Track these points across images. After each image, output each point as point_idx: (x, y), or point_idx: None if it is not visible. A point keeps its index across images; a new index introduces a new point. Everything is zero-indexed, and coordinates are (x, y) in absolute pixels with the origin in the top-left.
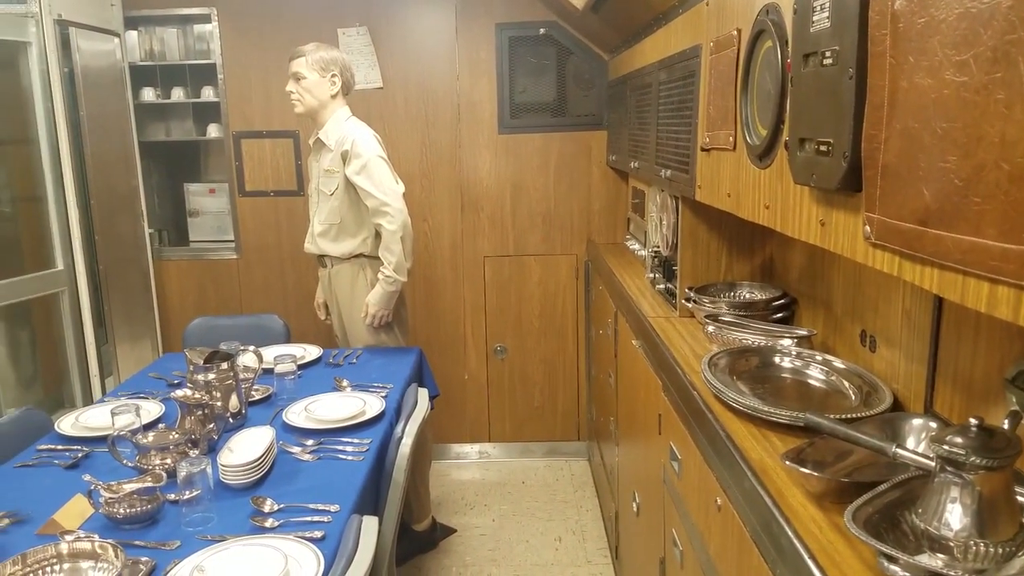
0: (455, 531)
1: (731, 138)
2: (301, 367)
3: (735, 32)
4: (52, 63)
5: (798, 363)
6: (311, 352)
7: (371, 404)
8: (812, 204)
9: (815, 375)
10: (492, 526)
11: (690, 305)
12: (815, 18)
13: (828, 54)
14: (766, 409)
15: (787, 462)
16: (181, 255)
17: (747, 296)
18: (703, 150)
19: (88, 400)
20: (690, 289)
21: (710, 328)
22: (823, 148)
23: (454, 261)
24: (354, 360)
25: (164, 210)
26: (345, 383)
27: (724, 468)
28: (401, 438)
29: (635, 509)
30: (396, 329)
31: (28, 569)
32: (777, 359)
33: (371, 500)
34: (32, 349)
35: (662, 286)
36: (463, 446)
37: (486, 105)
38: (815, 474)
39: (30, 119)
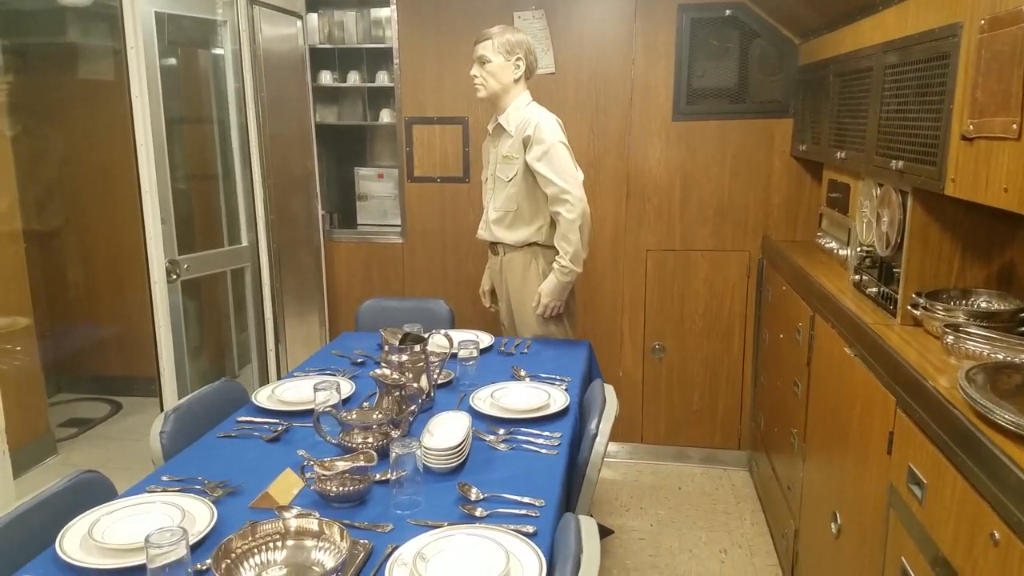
0: (613, 532)
1: (1014, 126)
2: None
3: None
4: (244, 43)
5: None
6: (484, 339)
7: (555, 397)
8: None
9: None
10: (651, 531)
11: (918, 312)
12: None
13: None
14: None
15: None
16: (350, 237)
17: (985, 305)
18: (964, 139)
19: (263, 371)
20: (918, 295)
21: (949, 339)
22: None
23: (615, 253)
24: (525, 350)
25: (333, 192)
26: (523, 372)
27: (1009, 498)
28: (596, 436)
29: (834, 531)
30: (565, 320)
31: (255, 543)
32: None
33: (566, 496)
34: (205, 321)
35: (874, 289)
36: (613, 445)
37: (661, 90)
38: None
39: (220, 100)
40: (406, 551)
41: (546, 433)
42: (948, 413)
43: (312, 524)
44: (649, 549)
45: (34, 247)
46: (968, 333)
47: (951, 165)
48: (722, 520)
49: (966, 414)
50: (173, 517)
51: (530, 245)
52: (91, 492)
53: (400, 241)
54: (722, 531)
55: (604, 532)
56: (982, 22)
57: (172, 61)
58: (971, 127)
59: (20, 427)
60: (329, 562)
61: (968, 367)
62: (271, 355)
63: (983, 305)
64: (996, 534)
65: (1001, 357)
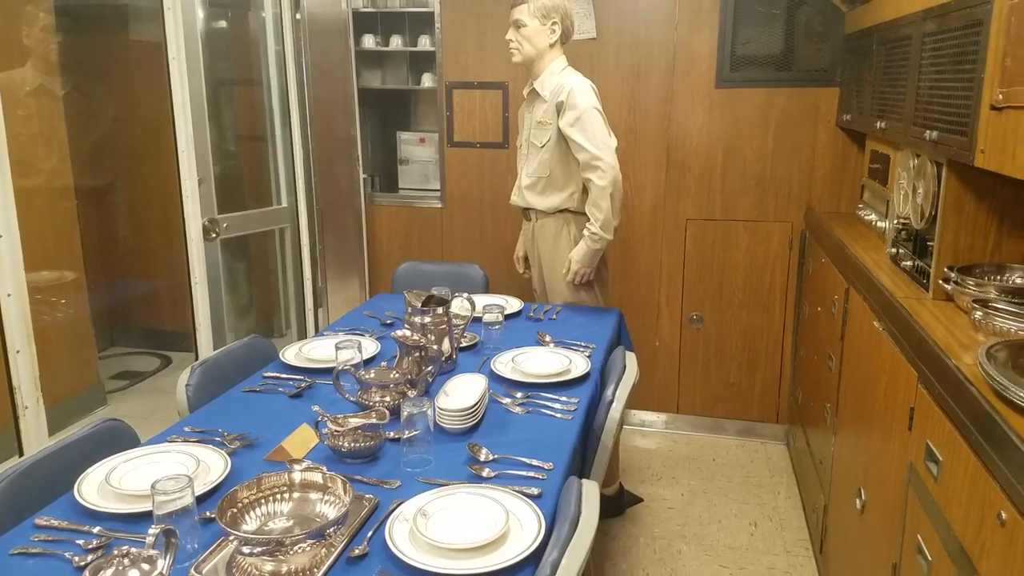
0: (642, 500)
1: None
2: (504, 318)
3: None
4: (285, 7)
5: None
6: (512, 304)
7: (576, 363)
8: None
9: None
10: (681, 500)
11: (949, 287)
12: None
13: None
14: None
15: None
16: (391, 201)
17: (1020, 281)
18: (994, 108)
19: (303, 332)
20: (950, 269)
21: (977, 315)
22: None
23: (654, 222)
24: (554, 316)
25: (375, 156)
26: (548, 338)
27: (1017, 478)
28: (611, 402)
29: (859, 506)
30: (596, 288)
31: (262, 494)
32: None
33: (579, 461)
34: (250, 280)
35: (909, 263)
36: (649, 414)
37: (704, 57)
38: None
39: (261, 62)
40: (408, 508)
41: (563, 398)
42: (965, 389)
43: (317, 477)
44: (678, 519)
45: (87, 203)
46: (997, 309)
47: (981, 136)
48: (755, 493)
49: (982, 390)
50: (188, 466)
51: (562, 211)
52: (113, 440)
53: (440, 206)
54: (754, 504)
55: (633, 500)
56: None
57: (214, 23)
58: (1000, 96)
59: (70, 377)
60: (332, 514)
61: (991, 343)
62: (309, 315)
63: (1018, 281)
64: (1003, 514)
65: None
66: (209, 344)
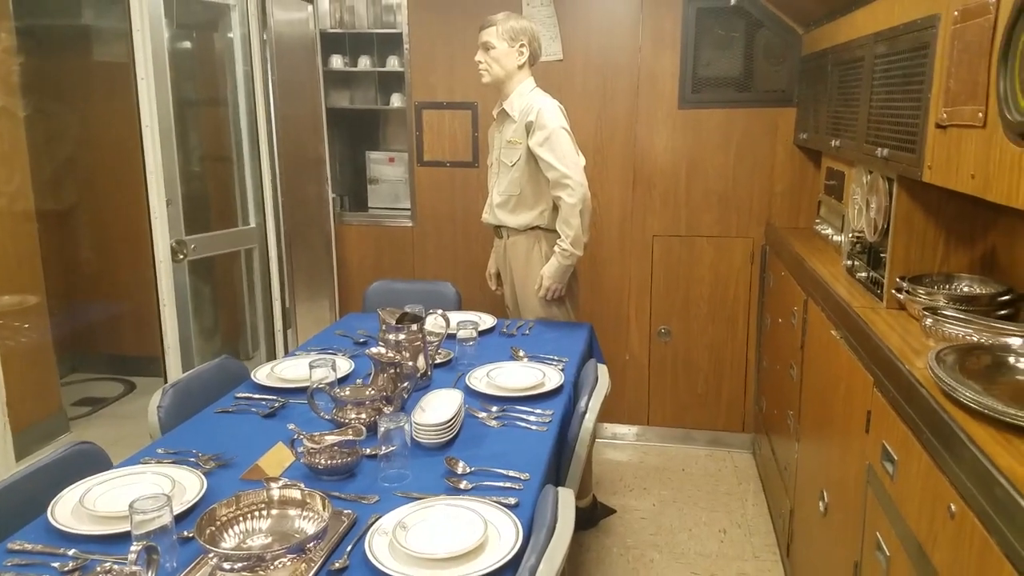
0: (615, 511)
1: (980, 114)
2: (478, 334)
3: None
4: (253, 27)
5: None
6: (486, 320)
7: (550, 376)
8: None
9: None
10: (652, 511)
11: (902, 296)
12: None
13: None
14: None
15: None
16: (361, 220)
17: (966, 290)
18: (939, 127)
19: (271, 353)
20: (902, 279)
21: (927, 322)
22: None
23: (622, 239)
24: (527, 331)
25: (344, 176)
26: (522, 353)
27: (964, 473)
28: (585, 413)
29: (822, 509)
30: (568, 303)
31: (240, 511)
32: (1012, 359)
33: (554, 472)
34: (215, 302)
35: (863, 274)
36: (620, 427)
37: (667, 79)
38: None
39: (229, 82)
40: (387, 521)
41: (538, 411)
42: (917, 392)
43: (295, 494)
44: (650, 528)
45: (49, 227)
46: (946, 316)
47: (928, 152)
48: (723, 501)
49: (933, 393)
50: (163, 487)
51: (533, 229)
52: (86, 463)
53: (410, 224)
54: (723, 511)
55: (606, 512)
56: (955, 13)
57: (181, 43)
58: (945, 115)
59: (31, 404)
60: (311, 529)
61: (940, 348)
62: (279, 336)
63: (964, 289)
64: (952, 507)
65: (976, 339)
66: (178, 367)
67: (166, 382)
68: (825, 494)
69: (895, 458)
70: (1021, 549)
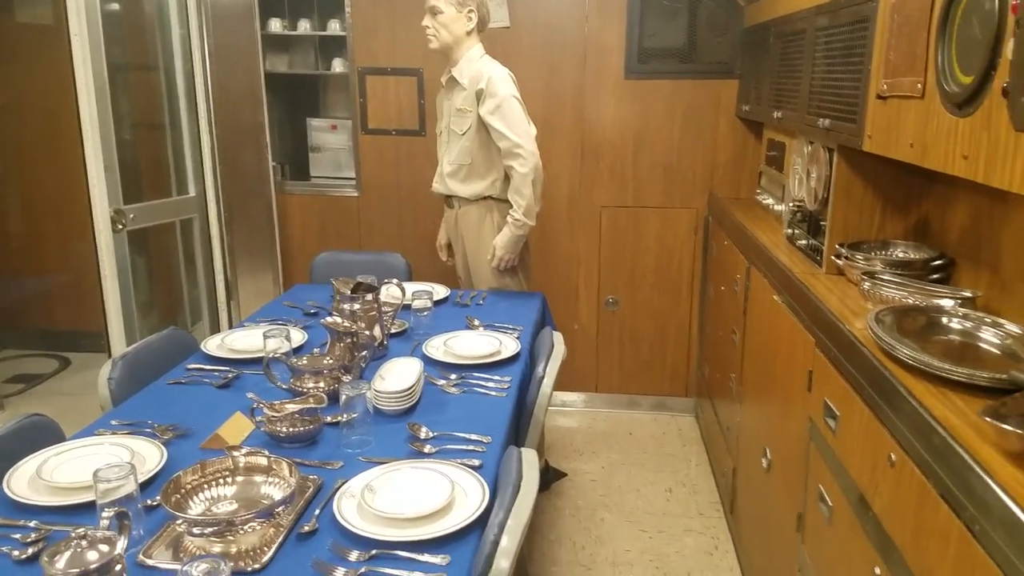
0: (566, 475)
1: (919, 85)
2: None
3: None
4: None
5: (968, 325)
6: (439, 291)
7: (507, 344)
8: None
9: (987, 338)
10: (602, 473)
11: (840, 262)
12: None
13: None
14: (962, 370)
15: (987, 419)
16: (304, 190)
17: (901, 255)
18: (880, 98)
19: (215, 326)
20: (841, 246)
21: (866, 285)
22: None
23: (570, 210)
24: (481, 301)
25: (285, 143)
26: (477, 322)
27: (903, 424)
28: (543, 378)
29: (765, 466)
30: (520, 273)
31: (205, 479)
32: (945, 320)
33: (514, 435)
34: (160, 274)
35: (804, 242)
36: (569, 394)
37: (613, 49)
38: (1019, 431)
39: (165, 46)
40: (354, 484)
41: (496, 377)
42: (857, 351)
43: (261, 460)
44: (600, 490)
45: None
46: (883, 280)
47: (868, 123)
48: (668, 462)
49: (873, 351)
50: (123, 457)
51: (485, 199)
52: (39, 435)
53: (355, 194)
54: (668, 472)
55: (558, 475)
56: None
57: (114, 6)
58: (885, 87)
59: None
60: (278, 495)
61: (879, 310)
62: (222, 309)
63: (899, 255)
64: (892, 456)
65: (911, 302)
66: (122, 340)
67: (110, 356)
68: (768, 452)
69: (837, 414)
70: (956, 490)
